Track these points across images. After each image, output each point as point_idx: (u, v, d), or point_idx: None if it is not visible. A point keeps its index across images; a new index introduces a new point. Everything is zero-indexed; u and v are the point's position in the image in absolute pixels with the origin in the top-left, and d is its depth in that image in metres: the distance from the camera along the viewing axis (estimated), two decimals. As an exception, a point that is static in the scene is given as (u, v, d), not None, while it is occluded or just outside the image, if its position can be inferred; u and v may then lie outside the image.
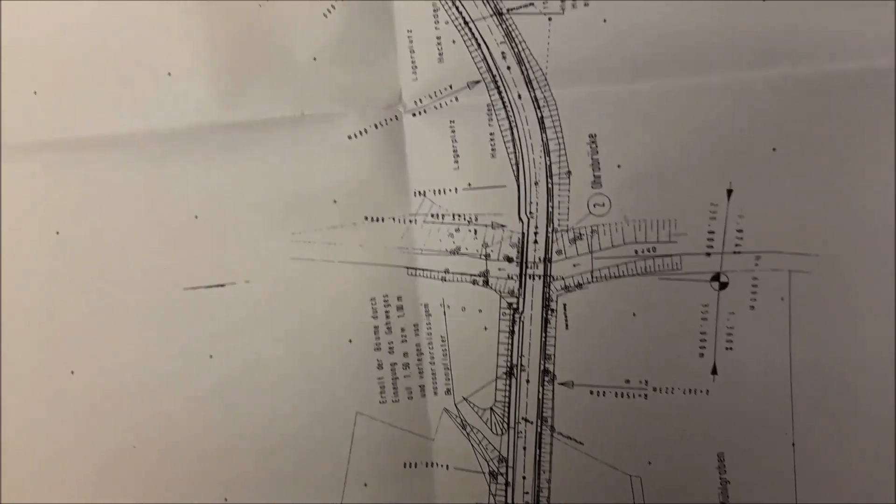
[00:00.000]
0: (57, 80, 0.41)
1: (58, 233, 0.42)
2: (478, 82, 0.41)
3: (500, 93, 0.41)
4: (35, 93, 0.41)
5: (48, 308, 0.43)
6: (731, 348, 0.40)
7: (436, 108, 0.41)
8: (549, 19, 0.39)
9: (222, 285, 0.42)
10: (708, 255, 0.40)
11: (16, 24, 0.40)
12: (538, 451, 0.42)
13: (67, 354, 0.43)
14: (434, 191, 0.42)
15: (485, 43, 0.40)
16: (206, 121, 0.41)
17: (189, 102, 0.41)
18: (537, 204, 0.41)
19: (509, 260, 0.41)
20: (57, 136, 0.41)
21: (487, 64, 0.40)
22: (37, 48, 0.41)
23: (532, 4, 0.39)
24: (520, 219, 0.41)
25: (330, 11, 0.41)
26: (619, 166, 0.40)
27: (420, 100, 0.41)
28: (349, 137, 0.42)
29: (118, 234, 0.42)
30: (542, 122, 0.40)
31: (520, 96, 0.41)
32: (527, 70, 0.40)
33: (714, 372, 0.41)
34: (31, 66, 0.41)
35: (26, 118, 0.41)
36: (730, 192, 0.39)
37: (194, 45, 0.41)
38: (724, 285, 0.40)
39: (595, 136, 0.40)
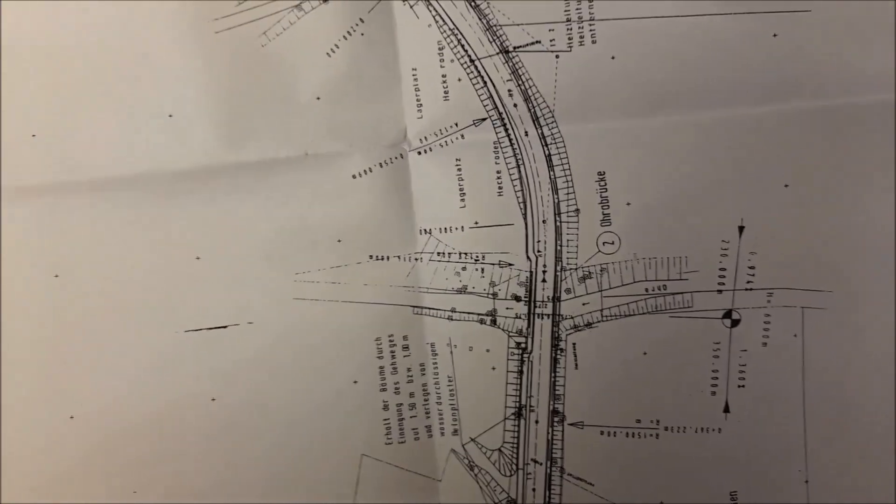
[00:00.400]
0: (56, 122, 0.40)
1: (56, 276, 0.42)
2: (484, 120, 0.40)
3: (506, 130, 0.40)
4: (33, 136, 0.41)
5: (47, 351, 0.42)
6: (743, 386, 0.40)
7: (441, 145, 0.41)
8: (557, 57, 0.39)
9: (225, 327, 0.42)
10: (720, 292, 0.39)
11: (16, 65, 0.40)
12: (548, 492, 0.41)
13: (66, 399, 0.42)
14: (440, 229, 0.41)
15: (491, 81, 0.40)
16: (208, 162, 0.41)
17: (191, 144, 0.40)
18: (545, 242, 0.40)
19: (517, 299, 0.41)
20: (56, 179, 0.41)
21: (494, 102, 0.40)
22: (36, 89, 0.40)
23: (539, 42, 0.39)
24: (528, 257, 0.40)
25: (334, 51, 0.40)
26: (628, 204, 0.39)
27: (425, 137, 0.41)
28: (354, 177, 0.41)
29: (118, 277, 0.41)
30: (550, 160, 0.40)
31: (527, 133, 0.40)
32: (534, 107, 0.40)
33: (726, 410, 0.40)
34: (30, 107, 0.40)
35: (25, 161, 0.40)
36: (741, 228, 0.39)
37: (195, 87, 0.40)
38: (736, 322, 0.39)
39: (604, 173, 0.40)
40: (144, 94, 0.40)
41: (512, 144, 0.40)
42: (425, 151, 0.41)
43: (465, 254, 0.41)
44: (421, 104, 0.41)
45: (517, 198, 0.40)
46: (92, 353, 0.42)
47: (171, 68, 0.40)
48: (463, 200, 0.41)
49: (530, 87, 0.40)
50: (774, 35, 0.38)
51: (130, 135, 0.40)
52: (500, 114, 0.40)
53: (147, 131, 0.40)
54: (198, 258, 0.42)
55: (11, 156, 0.40)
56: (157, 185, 0.41)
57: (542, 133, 0.40)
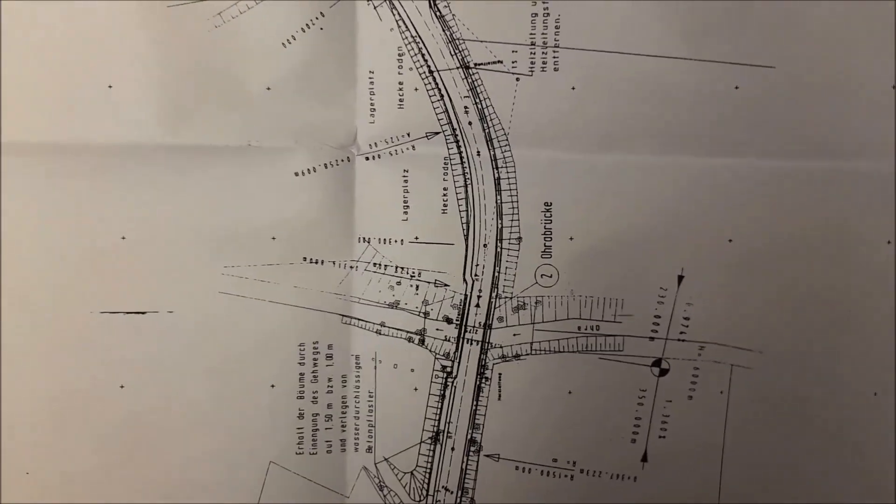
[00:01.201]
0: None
1: (-30, 238, 0.39)
2: (437, 134, 0.39)
3: (458, 147, 0.39)
4: (-39, 87, 0.38)
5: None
6: (664, 437, 0.39)
7: (391, 154, 0.40)
8: (517, 79, 0.38)
9: (143, 313, 0.40)
10: (651, 339, 0.39)
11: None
12: (457, 520, 0.40)
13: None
14: (379, 239, 0.40)
15: (448, 95, 0.39)
16: (146, 140, 0.39)
17: (129, 119, 0.38)
18: (484, 267, 0.39)
19: (448, 321, 0.40)
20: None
21: (449, 116, 0.39)
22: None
23: (500, 62, 0.38)
24: (464, 280, 0.39)
25: (290, 42, 0.39)
26: (571, 238, 0.39)
27: (375, 143, 0.40)
28: (296, 174, 0.40)
29: (37, 247, 0.39)
30: (499, 183, 0.39)
31: (479, 153, 0.39)
32: (489, 128, 0.39)
33: (644, 459, 0.39)
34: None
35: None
36: (681, 277, 0.38)
37: (140, 60, 0.38)
38: (664, 372, 0.39)
39: (551, 204, 0.39)
40: (84, 58, 0.38)
41: (462, 163, 0.39)
42: (373, 158, 0.40)
43: (402, 268, 0.40)
44: (374, 109, 0.39)
45: (461, 218, 0.39)
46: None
47: (116, 36, 0.38)
48: (406, 213, 0.40)
49: (487, 107, 0.39)
50: (737, 87, 0.37)
51: (64, 100, 0.38)
52: (454, 130, 0.39)
53: (83, 99, 0.39)
54: (123, 238, 0.40)
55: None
56: (86, 157, 0.39)
57: (494, 155, 0.39)
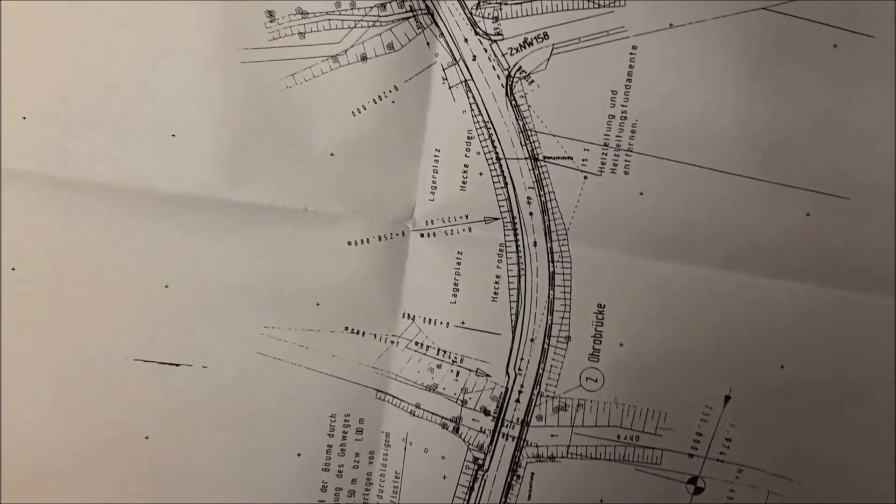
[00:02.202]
0: (49, 111, 0.38)
1: (14, 269, 0.39)
2: (496, 219, 0.39)
3: (515, 235, 0.38)
4: (24, 118, 0.38)
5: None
6: (692, 555, 0.38)
7: (446, 233, 0.39)
8: (585, 178, 0.38)
9: (177, 364, 0.39)
10: (690, 456, 0.38)
11: (18, 46, 0.37)
12: None
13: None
14: (425, 319, 0.39)
15: (513, 183, 0.38)
16: (203, 192, 0.38)
17: (188, 170, 0.38)
18: (528, 362, 0.38)
19: (486, 413, 0.39)
20: (41, 170, 0.38)
21: (510, 204, 0.38)
22: (38, 74, 0.37)
23: (570, 158, 0.37)
24: (507, 373, 0.39)
25: (360, 111, 0.38)
26: (621, 344, 0.38)
27: (432, 221, 0.39)
28: (349, 243, 0.39)
29: (78, 285, 0.39)
30: (553, 278, 0.38)
31: (535, 244, 0.38)
32: (549, 220, 0.38)
33: (669, 575, 0.38)
34: (26, 90, 0.37)
35: (11, 142, 0.38)
36: (727, 398, 0.38)
37: (207, 112, 0.38)
38: (699, 490, 0.38)
39: (604, 306, 0.38)
40: (151, 104, 0.38)
41: (518, 251, 0.39)
42: (428, 235, 0.39)
43: (444, 352, 0.39)
44: (435, 186, 0.39)
45: (510, 308, 0.39)
46: (33, 356, 0.39)
47: (185, 86, 0.38)
48: (455, 296, 0.39)
49: (551, 200, 0.38)
50: (808, 214, 0.37)
51: (126, 144, 0.38)
52: (514, 218, 0.38)
53: (145, 145, 0.38)
54: (166, 286, 0.39)
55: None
56: (140, 203, 0.38)
57: (551, 248, 0.38)
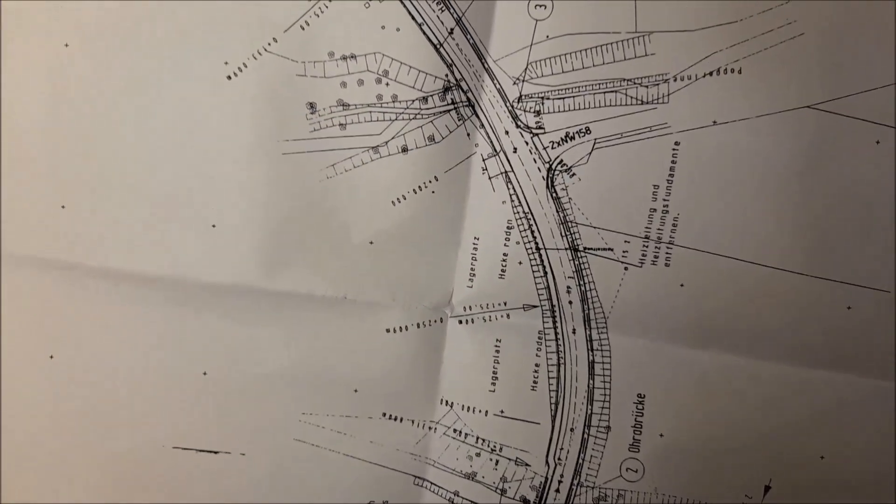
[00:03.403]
0: (89, 201, 0.38)
1: (52, 357, 0.39)
2: (534, 307, 0.39)
3: (554, 323, 0.38)
4: (63, 207, 0.38)
5: (34, 429, 0.39)
6: None
7: (484, 320, 0.39)
8: (626, 269, 0.38)
9: (215, 452, 0.39)
10: (731, 546, 0.38)
11: (60, 137, 0.37)
12: None
13: (39, 490, 0.39)
14: (463, 406, 0.39)
15: (552, 273, 0.38)
16: (242, 281, 0.38)
17: (227, 260, 0.38)
18: (568, 451, 0.38)
19: (525, 502, 0.39)
20: (77, 260, 0.38)
21: (550, 293, 0.38)
22: (77, 163, 0.38)
23: (611, 250, 0.37)
24: (547, 462, 0.39)
25: (400, 200, 0.38)
26: (661, 435, 0.38)
27: (470, 307, 0.39)
28: (388, 330, 0.39)
29: (116, 373, 0.39)
30: (593, 367, 0.38)
31: (574, 331, 0.38)
32: (589, 308, 0.38)
33: None
34: (65, 180, 0.38)
35: (48, 232, 0.38)
36: (767, 488, 0.37)
37: (247, 203, 0.38)
38: (739, 580, 0.38)
39: (644, 396, 0.38)
40: (192, 195, 0.38)
41: (557, 339, 0.38)
42: (467, 322, 0.39)
43: (483, 440, 0.39)
44: (474, 274, 0.39)
45: (550, 398, 0.39)
46: (72, 443, 0.39)
47: (227, 177, 0.38)
48: (494, 384, 0.39)
49: (591, 290, 0.38)
50: (849, 307, 0.37)
51: (166, 234, 0.38)
52: (553, 306, 0.38)
53: (185, 235, 0.38)
54: (204, 373, 0.39)
55: (37, 224, 0.37)
56: (179, 292, 0.38)
57: (591, 335, 0.38)
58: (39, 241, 0.38)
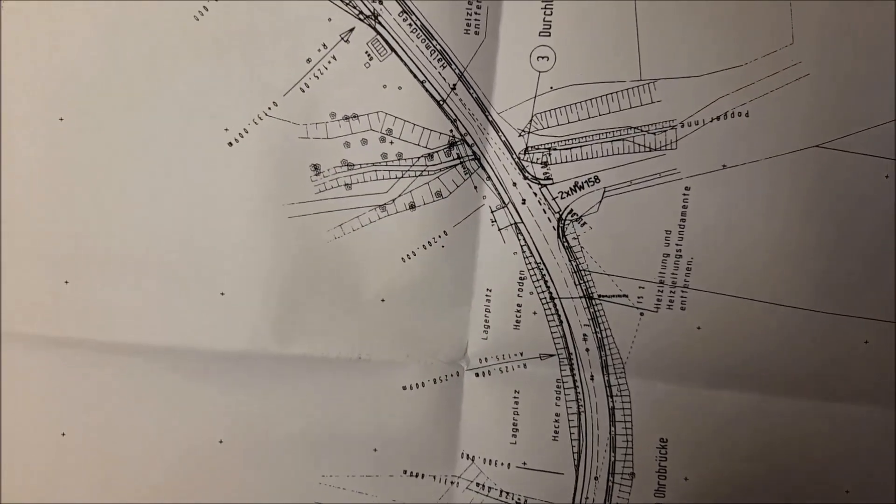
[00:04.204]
0: (94, 275, 0.37)
1: (63, 434, 0.38)
2: (551, 356, 0.38)
3: (572, 371, 0.38)
4: (66, 282, 0.37)
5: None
6: None
7: (501, 371, 0.39)
8: (641, 314, 0.37)
9: (236, 521, 0.39)
10: (760, 586, 0.38)
11: (59, 208, 0.36)
12: None
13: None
14: (484, 459, 0.39)
15: (567, 321, 0.38)
16: (255, 348, 0.38)
17: (238, 327, 0.37)
18: (594, 500, 0.38)
19: (553, 553, 0.39)
20: (84, 336, 0.37)
21: (566, 341, 0.38)
22: (79, 238, 0.37)
23: (626, 296, 0.37)
24: (572, 513, 0.38)
25: (410, 257, 0.38)
26: (686, 478, 0.38)
27: (486, 359, 0.39)
28: (404, 388, 0.38)
29: (131, 448, 0.38)
30: (613, 414, 0.38)
31: (592, 377, 0.38)
32: (606, 354, 0.38)
33: None
34: (67, 254, 0.37)
35: (52, 309, 0.37)
36: (795, 525, 0.37)
37: (256, 269, 0.37)
38: None
39: (666, 441, 0.38)
40: (198, 263, 0.37)
41: (576, 387, 0.38)
42: (483, 374, 0.39)
43: (507, 493, 0.39)
44: (488, 325, 0.38)
45: (572, 447, 0.38)
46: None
47: (233, 244, 0.37)
48: (514, 436, 0.39)
49: (607, 336, 0.38)
50: (866, 342, 0.37)
51: (173, 304, 0.37)
52: (570, 354, 0.38)
53: (192, 305, 0.37)
54: (220, 442, 0.38)
55: (39, 301, 0.37)
56: (190, 362, 0.38)
57: (609, 381, 0.38)
58: (43, 319, 0.37)
